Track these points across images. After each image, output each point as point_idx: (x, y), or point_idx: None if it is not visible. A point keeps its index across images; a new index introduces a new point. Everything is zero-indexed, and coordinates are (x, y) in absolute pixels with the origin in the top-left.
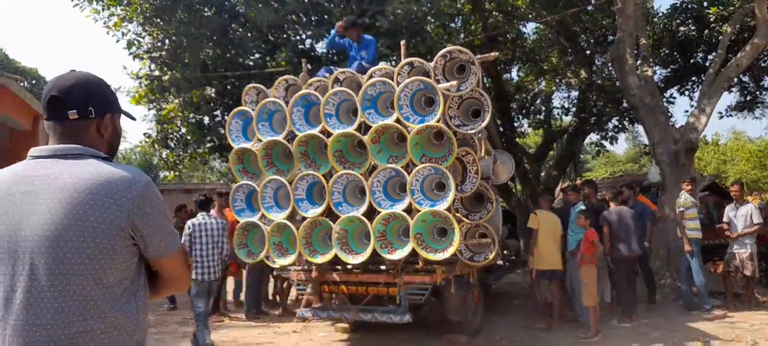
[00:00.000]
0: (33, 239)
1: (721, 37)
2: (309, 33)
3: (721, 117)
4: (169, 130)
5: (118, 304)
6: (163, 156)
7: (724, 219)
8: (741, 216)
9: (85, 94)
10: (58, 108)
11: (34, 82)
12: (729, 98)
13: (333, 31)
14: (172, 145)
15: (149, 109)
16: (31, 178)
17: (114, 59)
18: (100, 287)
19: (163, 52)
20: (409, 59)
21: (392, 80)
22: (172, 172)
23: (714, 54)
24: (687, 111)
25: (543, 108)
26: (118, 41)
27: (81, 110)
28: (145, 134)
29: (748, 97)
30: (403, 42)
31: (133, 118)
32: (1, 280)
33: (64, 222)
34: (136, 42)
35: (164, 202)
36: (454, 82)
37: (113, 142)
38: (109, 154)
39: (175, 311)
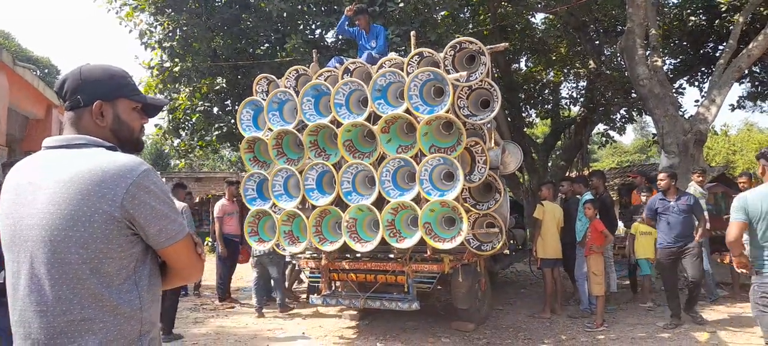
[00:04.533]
0: (33, 228)
1: (732, 27)
2: (318, 22)
3: (733, 109)
4: (180, 120)
5: (118, 293)
6: (175, 145)
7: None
8: None
9: (76, 84)
10: (62, 100)
11: (46, 70)
12: (739, 90)
13: (343, 18)
14: (183, 134)
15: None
16: (36, 169)
17: (127, 49)
18: (98, 276)
19: (174, 43)
20: (418, 50)
21: (402, 71)
22: (182, 160)
23: (725, 44)
24: (697, 102)
25: (551, 98)
26: (130, 31)
27: (72, 101)
28: (155, 125)
29: (760, 88)
30: (413, 33)
31: (146, 101)
32: (9, 267)
33: (59, 212)
34: (147, 32)
35: (166, 191)
36: (464, 73)
37: (117, 131)
38: (123, 144)
39: (186, 297)
